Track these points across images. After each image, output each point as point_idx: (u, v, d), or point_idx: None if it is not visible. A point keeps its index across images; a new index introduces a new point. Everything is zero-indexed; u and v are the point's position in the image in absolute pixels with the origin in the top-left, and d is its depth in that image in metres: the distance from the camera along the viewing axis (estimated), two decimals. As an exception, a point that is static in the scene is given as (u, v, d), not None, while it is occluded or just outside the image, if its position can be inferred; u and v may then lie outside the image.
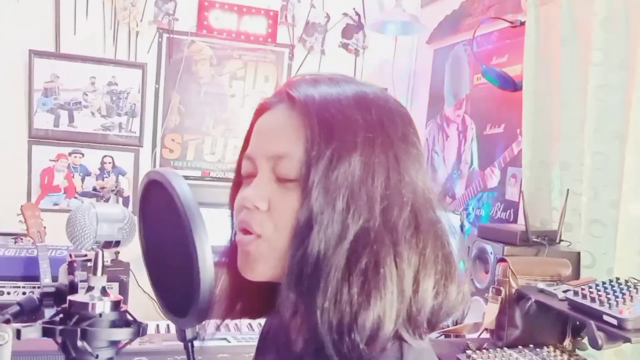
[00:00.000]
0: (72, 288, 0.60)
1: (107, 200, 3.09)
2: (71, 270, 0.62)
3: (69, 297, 0.55)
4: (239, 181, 0.67)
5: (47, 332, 0.51)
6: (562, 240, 1.90)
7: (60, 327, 0.52)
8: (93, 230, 0.55)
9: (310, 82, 0.62)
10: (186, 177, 3.29)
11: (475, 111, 2.75)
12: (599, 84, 1.76)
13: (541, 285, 1.58)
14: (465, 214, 2.74)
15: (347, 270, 0.54)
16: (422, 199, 0.59)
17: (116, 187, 3.08)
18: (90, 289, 0.57)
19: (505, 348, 1.51)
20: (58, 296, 0.64)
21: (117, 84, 3.04)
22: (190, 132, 3.19)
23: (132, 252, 3.01)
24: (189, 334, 0.58)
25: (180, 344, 1.55)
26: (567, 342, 1.60)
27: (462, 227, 2.08)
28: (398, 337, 0.57)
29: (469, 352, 1.48)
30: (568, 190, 1.88)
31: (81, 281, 0.63)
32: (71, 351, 0.52)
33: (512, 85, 2.35)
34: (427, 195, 0.60)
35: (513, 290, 1.59)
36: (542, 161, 2.11)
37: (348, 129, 0.57)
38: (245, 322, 1.77)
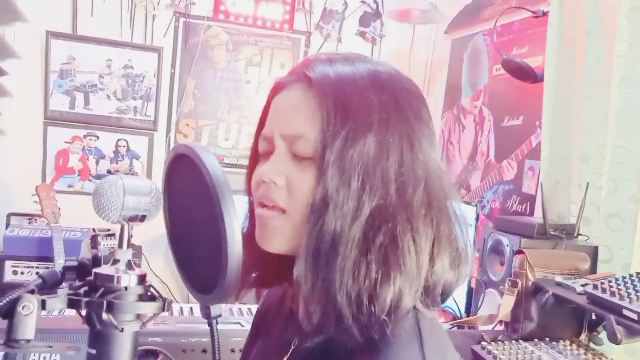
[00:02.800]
0: (96, 262, 0.60)
1: (121, 183, 3.10)
2: (94, 244, 0.62)
3: (95, 270, 0.55)
4: (256, 160, 0.68)
5: (72, 304, 0.51)
6: (580, 234, 1.87)
7: (85, 299, 0.51)
8: (120, 202, 0.54)
9: (326, 62, 0.62)
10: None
11: (493, 102, 2.71)
12: (623, 75, 1.72)
13: (559, 278, 1.56)
14: (480, 206, 2.72)
15: (365, 246, 0.55)
16: (434, 177, 0.61)
17: (130, 170, 3.09)
18: (115, 261, 0.56)
19: (520, 340, 1.50)
20: (81, 270, 0.63)
21: (133, 67, 3.03)
22: (205, 117, 3.18)
23: (144, 235, 3.03)
24: (213, 311, 0.57)
25: (192, 326, 1.55)
26: (583, 337, 1.58)
27: (477, 218, 2.05)
28: (414, 308, 0.59)
29: (483, 343, 1.47)
30: (588, 184, 1.85)
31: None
32: (96, 324, 0.52)
33: (532, 77, 2.31)
34: (439, 173, 0.61)
35: (530, 283, 1.57)
36: (562, 154, 2.08)
37: (363, 109, 0.58)
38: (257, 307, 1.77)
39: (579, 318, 1.58)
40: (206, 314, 0.57)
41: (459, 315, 2.00)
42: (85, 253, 0.63)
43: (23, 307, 0.47)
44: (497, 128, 2.64)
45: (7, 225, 2.83)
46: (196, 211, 0.54)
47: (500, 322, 1.67)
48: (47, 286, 0.62)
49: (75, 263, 0.63)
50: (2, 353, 0.47)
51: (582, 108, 1.94)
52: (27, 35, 2.87)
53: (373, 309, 0.54)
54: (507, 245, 1.83)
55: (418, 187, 0.58)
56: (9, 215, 2.87)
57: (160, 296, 0.55)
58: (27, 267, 2.59)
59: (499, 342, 1.48)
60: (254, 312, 1.72)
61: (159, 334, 1.38)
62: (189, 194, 0.56)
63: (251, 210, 0.69)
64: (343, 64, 0.62)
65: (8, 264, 2.57)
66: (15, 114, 2.84)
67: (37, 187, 2.58)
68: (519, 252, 1.63)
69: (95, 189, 0.54)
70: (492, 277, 1.91)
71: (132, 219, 0.56)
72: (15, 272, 2.58)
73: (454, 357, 0.65)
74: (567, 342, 1.51)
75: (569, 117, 2.04)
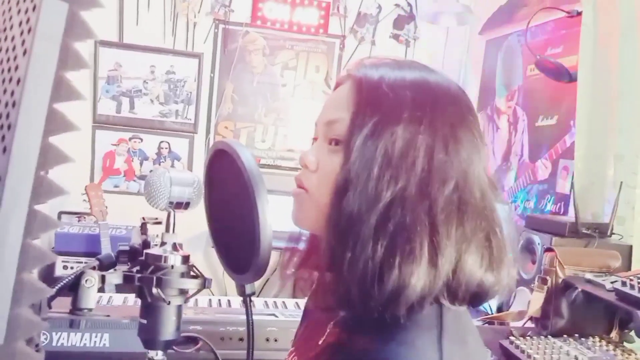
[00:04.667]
0: (146, 245, 0.68)
1: (163, 184, 3.24)
2: (144, 231, 0.70)
3: (145, 251, 0.62)
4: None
5: (127, 279, 0.58)
6: (614, 234, 1.86)
7: (138, 275, 0.58)
8: (167, 191, 0.61)
9: (374, 64, 0.66)
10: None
11: (527, 102, 2.71)
12: (657, 74, 1.72)
13: (589, 275, 1.57)
14: (514, 205, 2.72)
15: (378, 232, 0.57)
16: (472, 183, 0.61)
17: (172, 171, 3.22)
18: (163, 244, 0.63)
19: (549, 336, 1.52)
20: (132, 254, 0.72)
21: (175, 73, 3.16)
22: (243, 119, 3.29)
23: (185, 233, 3.13)
24: (248, 289, 0.64)
25: (230, 317, 1.63)
26: (613, 334, 1.58)
27: (509, 217, 2.07)
28: (437, 302, 0.60)
29: (512, 338, 1.49)
30: (621, 183, 1.85)
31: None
32: (147, 296, 0.59)
33: (567, 77, 2.31)
34: (480, 182, 0.62)
35: (560, 280, 1.59)
36: (596, 153, 2.07)
37: (395, 104, 0.60)
38: (292, 300, 1.84)
39: (610, 315, 1.58)
40: (241, 291, 0.64)
41: (489, 312, 2.02)
42: (136, 239, 0.71)
43: (86, 280, 0.54)
44: (531, 128, 2.64)
45: (59, 223, 2.99)
46: (233, 200, 0.61)
47: (530, 318, 1.68)
48: (103, 267, 0.70)
49: (127, 247, 0.71)
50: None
51: (616, 107, 1.93)
52: (77, 44, 3.03)
53: (376, 294, 0.56)
54: (539, 244, 1.84)
55: (446, 186, 0.59)
56: (60, 214, 3.04)
57: (202, 274, 0.62)
58: (77, 262, 2.74)
59: (528, 338, 1.50)
60: (288, 306, 1.80)
61: (199, 323, 1.46)
62: (226, 184, 0.63)
63: None
64: (391, 66, 0.65)
65: (58, 260, 2.73)
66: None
67: (86, 186, 2.73)
68: (549, 249, 1.65)
69: (146, 180, 0.62)
70: (524, 276, 1.92)
71: (178, 206, 0.63)
72: (65, 267, 2.74)
73: (479, 351, 0.67)
74: (597, 339, 1.51)
75: (603, 116, 2.04)
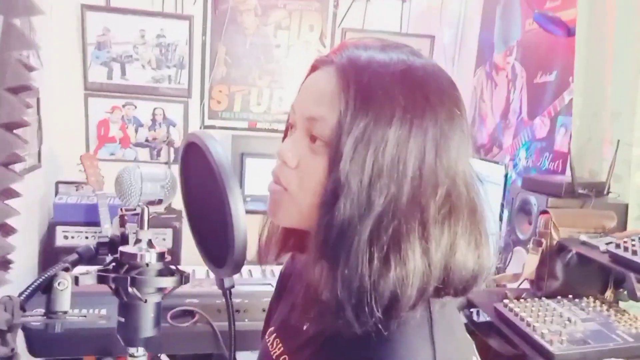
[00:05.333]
0: (123, 239, 0.67)
1: (159, 151, 3.22)
2: (122, 223, 0.69)
3: (120, 248, 0.61)
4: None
5: (101, 280, 0.58)
6: (610, 192, 1.85)
7: (112, 275, 0.58)
8: (138, 188, 0.60)
9: (360, 48, 0.61)
10: (233, 129, 3.35)
11: (525, 58, 2.65)
12: (657, 29, 1.67)
13: (583, 237, 1.57)
14: (512, 164, 2.70)
15: (369, 242, 0.55)
16: (461, 182, 0.60)
17: (167, 138, 3.19)
18: (138, 241, 0.62)
19: (543, 298, 1.53)
20: (112, 246, 0.71)
21: (165, 37, 3.09)
22: (237, 83, 3.24)
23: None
24: (226, 282, 0.63)
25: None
26: (608, 294, 1.60)
27: (505, 177, 2.05)
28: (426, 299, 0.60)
29: (506, 301, 1.51)
30: (618, 140, 1.82)
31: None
32: (123, 296, 0.59)
33: (565, 31, 2.25)
34: (467, 179, 0.60)
35: (554, 242, 1.59)
36: (594, 110, 2.04)
37: (386, 105, 0.56)
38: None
39: (605, 275, 1.59)
40: (220, 285, 0.63)
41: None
42: (115, 230, 0.70)
43: (59, 283, 0.54)
44: (530, 84, 2.59)
45: (57, 193, 3.00)
46: (207, 194, 0.59)
47: (527, 280, 1.70)
48: (84, 261, 0.70)
49: (107, 239, 0.70)
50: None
51: (613, 64, 1.89)
52: (63, 9, 2.95)
53: (371, 305, 0.55)
54: (535, 205, 1.83)
55: (437, 190, 0.57)
56: (57, 184, 3.04)
57: (178, 270, 0.61)
58: (77, 232, 2.76)
59: (522, 300, 1.52)
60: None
61: (195, 296, 1.47)
62: (200, 178, 0.61)
63: None
64: (378, 52, 0.60)
65: (59, 230, 2.75)
66: (57, 87, 2.96)
67: (81, 157, 2.71)
68: (544, 212, 1.65)
69: (117, 178, 0.60)
70: (520, 236, 1.93)
71: (151, 202, 0.62)
72: (65, 237, 2.76)
73: (465, 339, 0.67)
74: (591, 299, 1.53)
75: (601, 73, 1.99)
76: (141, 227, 0.63)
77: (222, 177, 0.55)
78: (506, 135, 2.79)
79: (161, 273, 0.61)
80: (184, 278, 0.61)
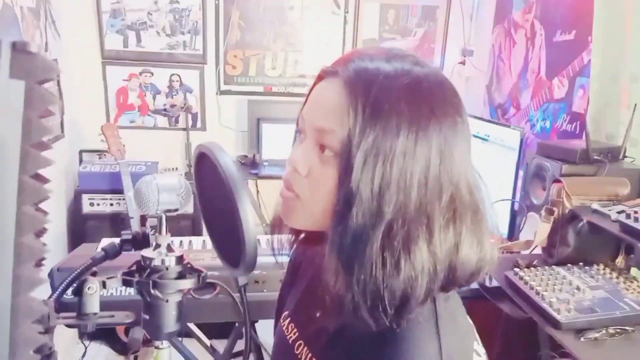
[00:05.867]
0: (145, 238, 0.72)
1: (177, 118, 3.26)
2: (143, 223, 0.73)
3: (141, 253, 0.66)
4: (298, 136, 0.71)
5: (126, 283, 0.63)
6: (626, 157, 1.85)
7: (136, 279, 0.63)
8: (156, 199, 0.64)
9: (365, 60, 0.63)
10: (249, 93, 3.36)
11: (545, 16, 2.59)
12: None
13: (595, 205, 1.58)
14: (529, 125, 2.69)
15: (382, 248, 0.60)
16: (464, 185, 0.63)
17: (185, 104, 3.23)
18: (157, 246, 0.67)
19: (554, 266, 1.56)
20: (135, 242, 0.76)
21: (179, 2, 3.08)
22: (252, 47, 3.23)
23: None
24: (241, 281, 0.68)
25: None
26: (619, 260, 1.62)
27: (521, 142, 2.05)
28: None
29: (516, 269, 1.55)
30: (635, 105, 1.80)
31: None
32: (146, 297, 0.64)
33: (585, -12, 2.18)
34: (469, 180, 0.64)
35: (566, 211, 1.61)
36: (612, 73, 2.01)
37: (393, 118, 0.59)
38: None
39: (616, 242, 1.61)
40: (235, 282, 0.68)
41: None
42: (137, 228, 0.76)
43: (88, 288, 0.59)
44: (549, 43, 2.54)
45: (80, 162, 3.08)
46: (219, 200, 0.63)
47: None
48: (110, 257, 0.75)
49: (130, 237, 0.75)
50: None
51: (632, 27, 1.84)
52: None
53: (385, 305, 0.60)
54: (549, 171, 1.84)
55: (442, 197, 0.61)
56: (80, 152, 3.12)
57: (198, 270, 0.66)
58: (102, 199, 2.85)
59: (532, 269, 1.56)
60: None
61: (215, 268, 1.53)
62: (213, 185, 0.65)
63: None
64: (383, 63, 0.62)
65: (85, 197, 2.85)
66: (75, 56, 2.99)
67: (102, 127, 2.77)
68: (557, 180, 1.66)
69: (135, 189, 0.64)
70: (534, 201, 1.94)
71: (167, 210, 0.66)
72: (91, 204, 2.85)
73: (467, 325, 0.72)
74: (602, 266, 1.56)
75: (621, 34, 1.95)
76: (159, 232, 0.67)
77: (231, 188, 0.59)
78: (524, 95, 2.76)
79: (180, 275, 0.66)
80: (201, 279, 0.66)
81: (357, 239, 0.60)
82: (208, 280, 1.50)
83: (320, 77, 0.68)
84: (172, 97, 3.24)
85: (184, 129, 3.27)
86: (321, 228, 0.67)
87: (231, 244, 0.64)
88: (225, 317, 1.50)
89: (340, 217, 0.61)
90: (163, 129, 3.28)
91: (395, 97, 0.60)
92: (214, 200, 0.67)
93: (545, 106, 2.57)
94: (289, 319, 0.84)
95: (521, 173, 2.06)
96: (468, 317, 0.74)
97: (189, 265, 0.68)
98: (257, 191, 3.30)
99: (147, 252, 0.66)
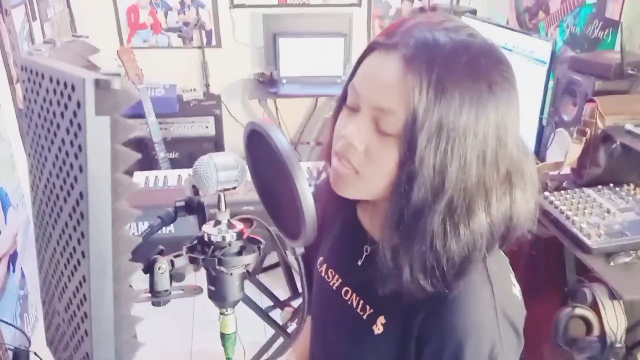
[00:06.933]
0: (200, 207, 0.74)
1: (191, 39, 3.17)
2: (196, 192, 0.76)
3: (204, 229, 0.69)
4: (343, 103, 0.71)
5: (192, 260, 0.66)
6: (662, 69, 1.79)
7: (202, 257, 0.66)
8: (215, 179, 0.65)
9: (423, 31, 0.62)
10: (263, 6, 3.22)
11: None
12: None
13: (629, 126, 1.56)
14: (558, 30, 2.58)
15: (443, 222, 0.63)
16: (516, 153, 0.66)
17: (198, 21, 3.13)
18: (218, 222, 0.69)
19: (584, 188, 1.57)
20: (188, 207, 0.78)
21: None
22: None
23: (221, 83, 3.18)
24: (298, 250, 0.71)
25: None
26: (650, 178, 1.62)
27: (552, 55, 1.97)
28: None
29: (546, 193, 1.56)
30: (677, 14, 1.71)
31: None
32: (212, 271, 0.67)
33: None
34: (520, 147, 0.66)
35: (599, 132, 1.59)
36: (652, -23, 1.89)
37: (455, 98, 0.60)
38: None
39: (647, 161, 1.61)
40: (293, 252, 0.71)
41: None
42: (189, 193, 0.78)
43: (159, 268, 0.62)
44: (583, -59, 2.37)
45: (99, 87, 3.06)
46: (276, 177, 0.64)
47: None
48: (166, 223, 0.78)
49: (183, 203, 0.78)
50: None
51: None
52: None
53: (444, 272, 0.64)
54: (581, 87, 1.80)
55: (499, 169, 0.63)
56: (97, 77, 3.08)
57: (256, 241, 0.69)
58: (125, 124, 2.86)
59: (562, 192, 1.57)
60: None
61: (250, 203, 1.56)
62: (267, 163, 0.65)
63: (330, 146, 0.73)
64: (442, 35, 0.61)
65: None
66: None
67: (118, 51, 2.72)
68: (590, 100, 1.62)
69: (194, 171, 0.65)
70: (565, 117, 1.91)
71: (227, 189, 0.68)
72: (115, 130, 2.87)
73: (506, 265, 0.75)
74: (632, 186, 1.56)
75: None
76: (219, 209, 0.69)
77: (288, 167, 0.60)
78: (553, -1, 2.62)
79: (242, 249, 0.69)
80: (260, 250, 0.69)
81: (418, 213, 0.62)
82: (244, 216, 1.55)
83: (371, 49, 0.66)
84: (185, 14, 3.14)
85: (199, 47, 3.19)
86: (376, 198, 0.69)
87: (289, 217, 0.66)
88: (264, 251, 1.56)
89: (402, 192, 0.63)
90: (178, 47, 3.20)
91: (457, 75, 0.60)
92: (268, 174, 0.68)
93: (577, 11, 2.45)
94: (325, 264, 0.87)
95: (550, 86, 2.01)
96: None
97: (248, 238, 0.71)
98: (277, 109, 3.28)
99: (209, 229, 0.69)
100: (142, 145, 2.86)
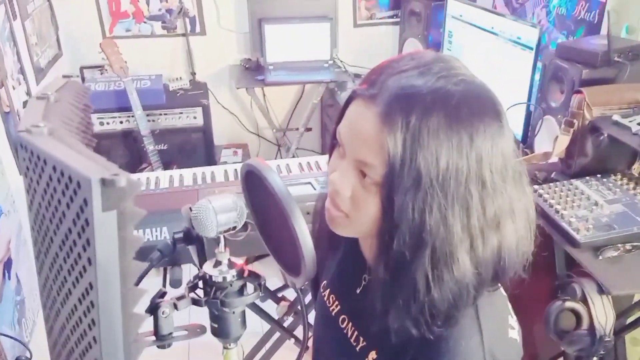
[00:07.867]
0: (199, 237, 0.76)
1: (174, 27, 3.11)
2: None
3: (204, 269, 0.70)
4: (335, 142, 0.71)
5: (195, 302, 0.67)
6: (648, 55, 1.80)
7: (204, 299, 0.67)
8: (214, 223, 0.66)
9: (403, 87, 0.61)
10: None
11: None
12: None
13: (616, 116, 1.58)
14: (545, 12, 2.57)
15: (424, 272, 0.62)
16: (507, 197, 0.64)
17: (181, 8, 3.07)
18: (218, 263, 0.71)
19: (572, 180, 1.60)
20: (187, 238, 0.79)
21: None
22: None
23: (207, 70, 3.14)
24: (298, 284, 0.72)
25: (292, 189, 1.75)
26: (636, 167, 1.65)
27: (539, 40, 1.97)
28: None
29: (536, 187, 1.59)
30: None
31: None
32: (214, 311, 0.69)
33: None
34: (513, 192, 0.65)
35: (586, 122, 1.61)
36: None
37: (432, 151, 0.59)
38: (323, 158, 1.92)
39: (634, 150, 1.63)
40: (293, 286, 0.73)
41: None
42: (188, 222, 0.79)
43: (162, 312, 0.64)
44: None
45: (83, 79, 3.02)
46: (274, 216, 0.65)
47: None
48: (165, 256, 0.79)
49: (181, 235, 0.79)
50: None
51: None
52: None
53: (428, 320, 0.64)
54: (568, 74, 1.80)
55: (486, 214, 0.62)
56: (81, 69, 3.04)
57: (257, 277, 0.71)
58: (111, 118, 2.84)
59: (550, 184, 1.59)
60: (322, 167, 1.86)
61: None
62: (265, 203, 0.66)
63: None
64: (423, 87, 0.60)
65: (94, 117, 2.82)
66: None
67: (101, 44, 2.67)
68: (578, 91, 1.64)
69: (193, 216, 0.66)
70: (552, 104, 1.93)
71: (226, 231, 0.68)
72: (102, 123, 2.84)
73: (503, 307, 0.74)
74: (619, 176, 1.59)
75: None
76: (219, 250, 0.70)
77: (284, 207, 0.61)
78: (539, -22, 2.60)
79: (243, 287, 0.70)
80: (261, 287, 0.71)
81: (400, 264, 0.63)
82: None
83: (353, 97, 0.67)
84: (167, 1, 3.08)
85: (183, 35, 3.14)
86: (371, 235, 0.70)
87: (289, 254, 0.67)
88: (260, 252, 1.58)
89: (385, 242, 0.63)
90: (161, 36, 3.15)
91: (434, 129, 0.59)
92: (266, 213, 0.69)
93: (563, -9, 2.43)
94: (328, 289, 0.88)
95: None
96: (502, 288, 0.77)
97: (249, 274, 0.72)
98: (264, 95, 3.25)
99: (209, 270, 0.70)
100: (130, 138, 2.84)
